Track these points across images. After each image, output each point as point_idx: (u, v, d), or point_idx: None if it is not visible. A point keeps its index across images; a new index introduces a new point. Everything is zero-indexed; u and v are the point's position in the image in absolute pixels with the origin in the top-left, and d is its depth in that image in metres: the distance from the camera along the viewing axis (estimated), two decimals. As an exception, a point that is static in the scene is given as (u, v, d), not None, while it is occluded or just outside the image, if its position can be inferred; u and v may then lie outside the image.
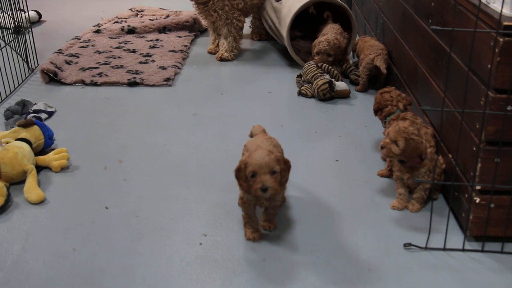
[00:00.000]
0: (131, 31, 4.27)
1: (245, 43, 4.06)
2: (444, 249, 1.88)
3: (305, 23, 4.04)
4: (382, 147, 2.03)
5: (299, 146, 2.58)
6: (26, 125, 2.41)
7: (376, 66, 3.08)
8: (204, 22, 4.17)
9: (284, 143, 2.59)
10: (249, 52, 3.93)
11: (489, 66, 1.72)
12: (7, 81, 3.15)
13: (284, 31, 3.48)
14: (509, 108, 1.72)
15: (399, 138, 1.98)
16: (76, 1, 5.32)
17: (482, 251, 1.87)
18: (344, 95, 3.12)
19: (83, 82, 3.31)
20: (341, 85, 3.12)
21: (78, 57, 3.70)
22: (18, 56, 3.45)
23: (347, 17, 3.58)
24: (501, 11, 1.67)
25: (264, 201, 1.89)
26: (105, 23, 4.48)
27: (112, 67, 3.53)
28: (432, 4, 2.36)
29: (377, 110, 2.44)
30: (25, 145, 2.30)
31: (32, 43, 3.53)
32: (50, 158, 2.35)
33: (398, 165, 2.10)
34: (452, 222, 2.01)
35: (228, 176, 2.30)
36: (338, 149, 2.56)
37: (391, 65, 3.11)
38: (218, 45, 3.89)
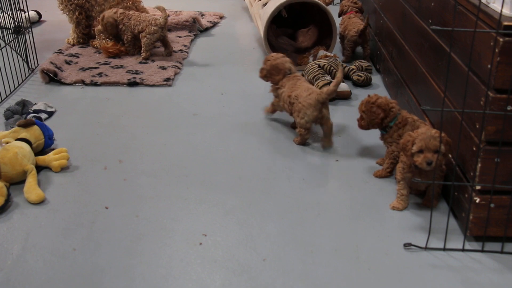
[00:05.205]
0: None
1: (245, 44, 4.06)
2: (444, 249, 1.88)
3: (295, 20, 4.06)
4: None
5: (299, 146, 2.58)
6: (26, 125, 2.40)
7: (360, 37, 3.48)
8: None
9: (284, 143, 2.61)
10: (249, 52, 3.92)
11: (489, 66, 1.72)
12: (7, 81, 3.15)
13: (263, 38, 3.54)
14: (509, 108, 1.72)
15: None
16: (76, 1, 5.31)
17: (482, 251, 1.88)
18: (345, 96, 3.11)
19: (83, 82, 3.31)
20: (342, 86, 3.11)
21: (78, 57, 3.70)
22: (18, 56, 3.45)
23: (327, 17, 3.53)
24: (501, 11, 1.67)
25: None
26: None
27: (112, 67, 3.53)
28: (432, 4, 2.36)
29: (385, 118, 2.26)
30: (25, 145, 2.30)
31: (32, 43, 3.52)
32: (50, 158, 2.35)
33: (409, 166, 2.06)
34: (452, 222, 2.01)
35: (228, 176, 2.30)
36: (338, 149, 2.56)
37: (390, 63, 3.12)
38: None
